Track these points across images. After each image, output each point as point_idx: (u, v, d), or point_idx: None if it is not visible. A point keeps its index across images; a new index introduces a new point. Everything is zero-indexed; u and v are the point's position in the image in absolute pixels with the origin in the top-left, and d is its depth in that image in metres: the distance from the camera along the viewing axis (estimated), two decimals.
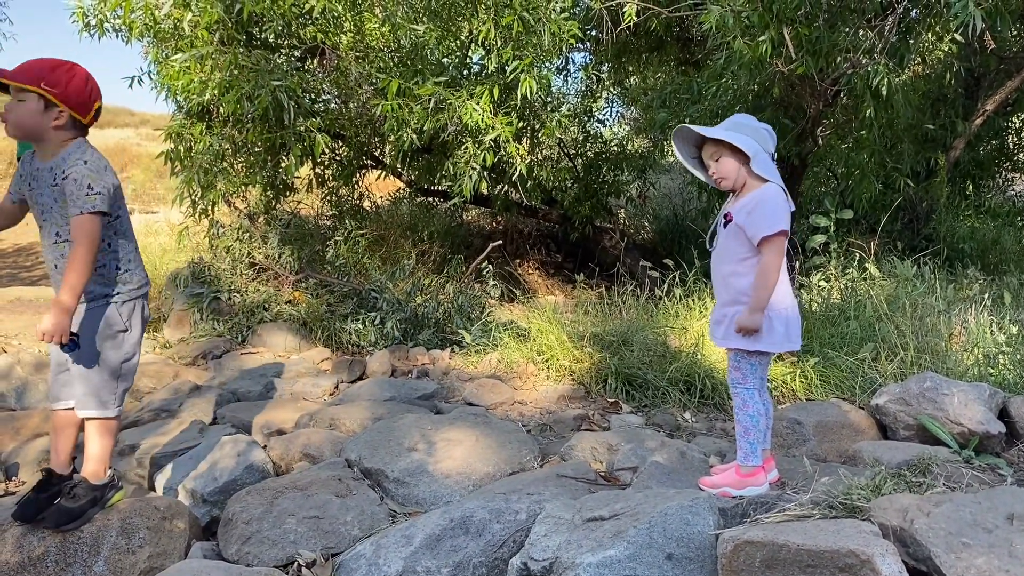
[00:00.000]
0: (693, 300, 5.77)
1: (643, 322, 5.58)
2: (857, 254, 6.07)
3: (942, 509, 2.14)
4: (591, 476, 3.35)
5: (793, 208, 2.90)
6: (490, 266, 7.23)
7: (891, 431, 3.69)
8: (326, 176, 8.09)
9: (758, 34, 5.26)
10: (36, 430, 4.44)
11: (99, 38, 5.99)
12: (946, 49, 6.92)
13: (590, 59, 9.34)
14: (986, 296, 5.48)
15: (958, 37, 5.65)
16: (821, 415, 3.76)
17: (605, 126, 10.20)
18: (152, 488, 3.67)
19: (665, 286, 6.00)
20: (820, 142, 7.19)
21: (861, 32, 5.67)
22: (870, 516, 2.22)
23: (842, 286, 5.85)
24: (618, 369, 4.93)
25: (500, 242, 8.29)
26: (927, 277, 5.76)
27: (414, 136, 5.93)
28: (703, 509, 2.42)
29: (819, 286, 5.96)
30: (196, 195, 6.39)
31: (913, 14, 6.12)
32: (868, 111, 5.82)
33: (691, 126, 2.97)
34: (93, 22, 5.87)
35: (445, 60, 6.75)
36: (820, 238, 6.33)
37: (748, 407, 2.91)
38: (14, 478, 4.00)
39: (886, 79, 5.32)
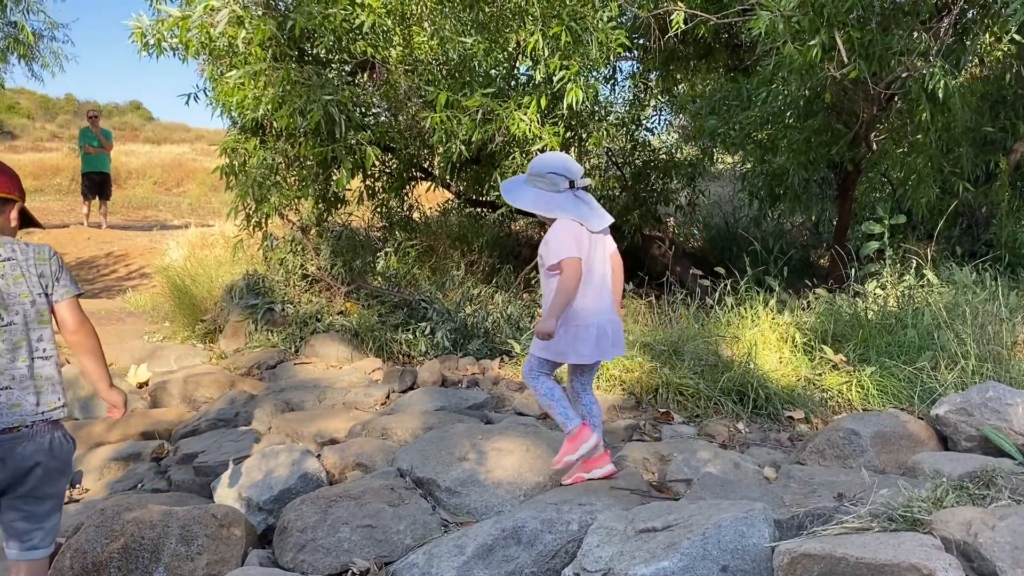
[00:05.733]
0: (745, 308, 5.69)
1: (694, 331, 5.53)
2: (914, 261, 5.94)
3: (1008, 522, 2.08)
4: (643, 487, 3.33)
5: (597, 229, 3.22)
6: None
7: (952, 442, 3.60)
8: (376, 188, 8.18)
9: (808, 38, 5.19)
10: (99, 438, 4.57)
11: (157, 57, 6.15)
12: (1004, 50, 6.75)
13: (638, 67, 9.31)
14: None
15: (1016, 37, 5.51)
16: (879, 425, 3.68)
17: (653, 134, 10.12)
18: (210, 496, 3.74)
19: (716, 294, 5.94)
20: (874, 147, 7.05)
21: (916, 34, 5.56)
22: (932, 529, 2.17)
23: (899, 293, 5.72)
24: (669, 379, 4.89)
25: None
26: (988, 284, 5.60)
27: (462, 147, 5.98)
28: (758, 521, 2.38)
29: (875, 294, 5.84)
30: (250, 208, 6.51)
31: (970, 15, 5.98)
32: (924, 115, 5.70)
33: (504, 186, 3.40)
34: (151, 41, 6.02)
35: (493, 71, 6.79)
36: (874, 244, 6.20)
37: (539, 389, 3.29)
38: (78, 485, 4.12)
39: (942, 81, 5.21)
